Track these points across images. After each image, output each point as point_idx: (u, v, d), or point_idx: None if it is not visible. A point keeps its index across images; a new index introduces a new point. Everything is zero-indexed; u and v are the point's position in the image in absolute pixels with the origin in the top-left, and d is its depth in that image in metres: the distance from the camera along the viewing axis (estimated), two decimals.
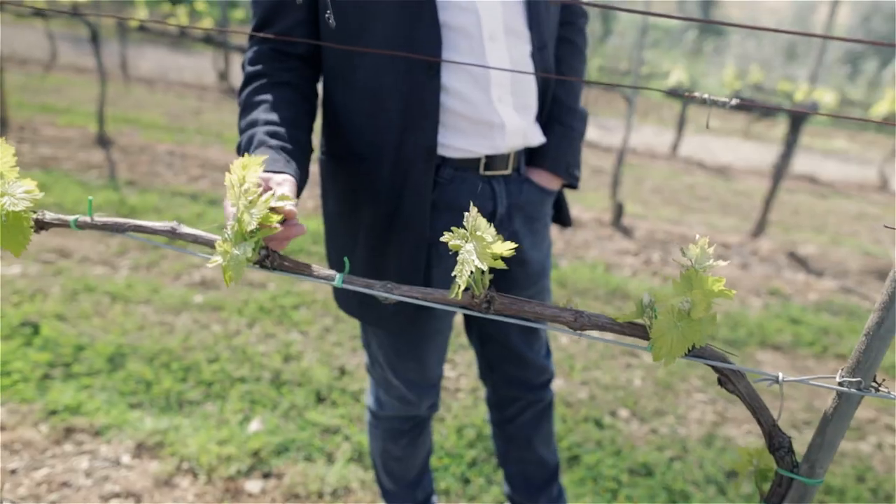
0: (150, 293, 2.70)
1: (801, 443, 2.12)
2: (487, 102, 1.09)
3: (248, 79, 1.06)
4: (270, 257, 0.76)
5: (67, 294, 2.61)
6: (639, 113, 9.46)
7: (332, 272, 0.76)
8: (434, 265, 1.17)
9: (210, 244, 0.77)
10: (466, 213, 0.67)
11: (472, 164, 1.13)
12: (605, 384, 2.42)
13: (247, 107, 1.03)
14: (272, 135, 0.97)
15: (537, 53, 1.15)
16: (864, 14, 17.79)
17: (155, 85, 7.51)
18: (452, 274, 0.66)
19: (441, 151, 1.10)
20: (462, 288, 0.65)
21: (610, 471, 1.96)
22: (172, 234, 0.80)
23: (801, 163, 7.31)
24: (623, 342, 0.72)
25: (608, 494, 1.88)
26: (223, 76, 7.79)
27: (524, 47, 1.12)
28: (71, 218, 0.83)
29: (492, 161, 1.14)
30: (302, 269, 0.77)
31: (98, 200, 3.60)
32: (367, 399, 1.52)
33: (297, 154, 0.97)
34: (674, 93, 0.61)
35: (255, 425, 1.98)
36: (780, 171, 3.88)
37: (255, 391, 2.14)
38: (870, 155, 8.83)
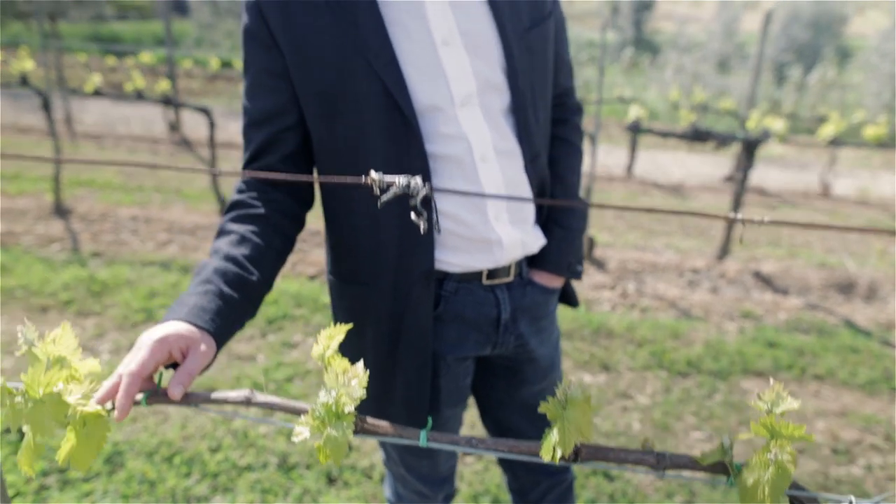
0: None
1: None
2: (484, 222, 1.12)
3: (230, 206, 1.10)
4: (355, 422, 0.77)
5: None
6: (589, 134, 9.71)
7: (415, 430, 0.78)
8: (442, 374, 1.21)
9: (295, 412, 0.78)
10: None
11: (474, 276, 1.17)
12: (605, 431, 2.47)
13: (219, 233, 1.06)
14: (222, 273, 0.97)
15: (530, 165, 1.17)
16: (785, 22, 18.81)
17: (103, 140, 7.32)
18: (552, 443, 0.68)
19: (443, 267, 1.14)
20: (560, 454, 0.68)
21: None
22: (248, 404, 0.80)
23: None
24: (700, 478, 0.75)
25: None
26: (174, 127, 7.65)
27: (517, 162, 1.15)
28: (141, 396, 0.82)
29: (494, 272, 1.18)
30: (386, 430, 0.78)
31: (65, 278, 3.48)
32: (386, 491, 1.54)
33: (237, 301, 0.97)
34: (713, 216, 0.64)
35: None
36: (738, 196, 4.06)
37: (263, 479, 2.10)
38: (805, 158, 9.32)
